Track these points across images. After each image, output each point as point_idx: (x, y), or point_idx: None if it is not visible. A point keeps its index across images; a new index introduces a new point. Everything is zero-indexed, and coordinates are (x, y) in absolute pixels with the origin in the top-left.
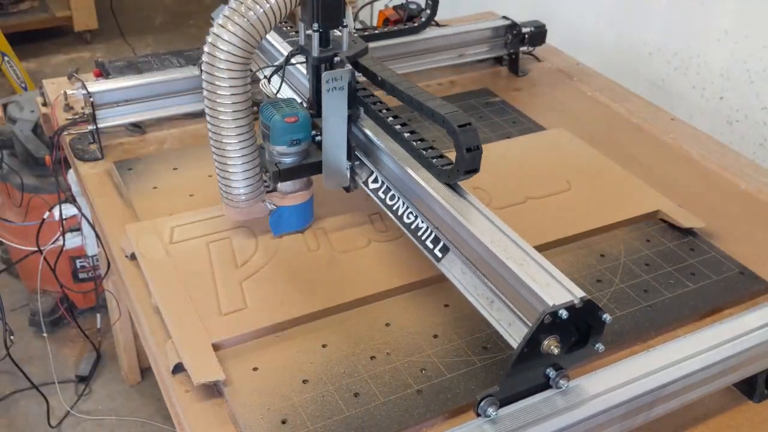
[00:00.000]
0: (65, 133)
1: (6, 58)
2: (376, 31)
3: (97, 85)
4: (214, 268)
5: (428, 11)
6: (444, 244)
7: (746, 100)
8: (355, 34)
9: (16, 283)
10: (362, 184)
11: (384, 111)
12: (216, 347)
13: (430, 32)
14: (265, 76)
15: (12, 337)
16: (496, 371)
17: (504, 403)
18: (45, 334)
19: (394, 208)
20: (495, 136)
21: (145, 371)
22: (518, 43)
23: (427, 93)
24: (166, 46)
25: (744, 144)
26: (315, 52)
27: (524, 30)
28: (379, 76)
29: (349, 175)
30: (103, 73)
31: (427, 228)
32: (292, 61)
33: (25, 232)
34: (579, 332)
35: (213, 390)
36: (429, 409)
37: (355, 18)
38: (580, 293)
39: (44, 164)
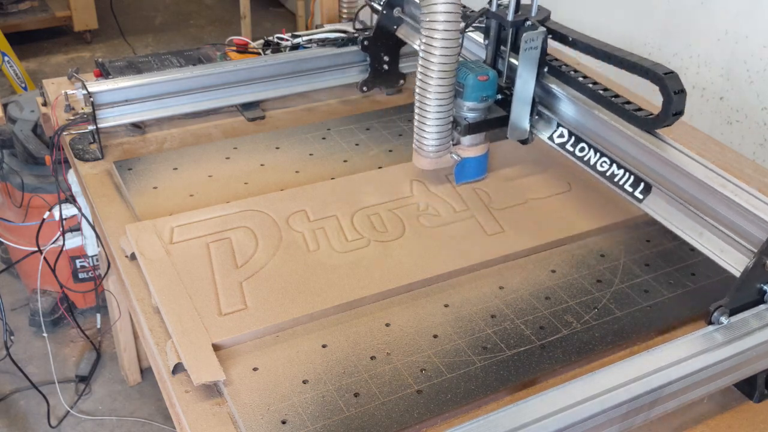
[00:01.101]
0: (65, 133)
1: (6, 58)
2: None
3: (97, 85)
4: (214, 268)
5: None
6: (645, 185)
7: (746, 100)
8: (355, 34)
9: (16, 283)
10: (546, 140)
11: (565, 67)
12: (216, 347)
13: None
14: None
15: (12, 337)
16: (497, 371)
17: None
18: (45, 334)
19: (585, 158)
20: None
21: (145, 371)
22: None
23: (622, 49)
24: (166, 46)
25: (744, 144)
26: (510, 16)
27: None
28: (570, 37)
29: (528, 128)
30: (103, 73)
31: (625, 173)
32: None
33: (25, 232)
34: None
35: (213, 390)
36: (429, 409)
37: (355, 18)
38: None
39: (44, 164)
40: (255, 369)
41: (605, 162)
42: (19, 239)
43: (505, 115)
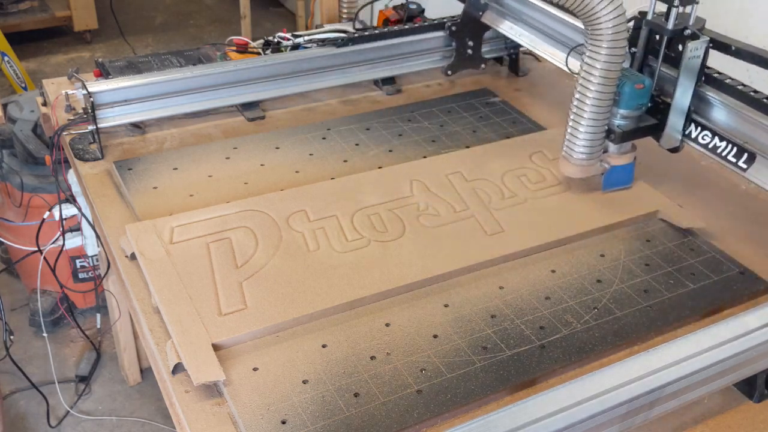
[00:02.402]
0: (65, 133)
1: (6, 58)
2: (376, 31)
3: (97, 85)
4: (214, 268)
5: None
6: (748, 155)
7: None
8: (362, 32)
9: (16, 283)
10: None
11: (719, 74)
12: (216, 347)
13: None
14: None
15: (12, 337)
16: (496, 371)
17: None
18: (45, 334)
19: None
20: (495, 136)
21: (145, 371)
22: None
23: None
24: (166, 46)
25: None
26: (670, 25)
27: None
28: (732, 46)
29: (681, 137)
30: (103, 73)
31: (727, 144)
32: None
33: (25, 232)
34: None
35: (213, 390)
36: (429, 409)
37: (355, 18)
38: None
39: (44, 164)
40: (255, 369)
41: (707, 135)
42: (19, 239)
43: (656, 123)
